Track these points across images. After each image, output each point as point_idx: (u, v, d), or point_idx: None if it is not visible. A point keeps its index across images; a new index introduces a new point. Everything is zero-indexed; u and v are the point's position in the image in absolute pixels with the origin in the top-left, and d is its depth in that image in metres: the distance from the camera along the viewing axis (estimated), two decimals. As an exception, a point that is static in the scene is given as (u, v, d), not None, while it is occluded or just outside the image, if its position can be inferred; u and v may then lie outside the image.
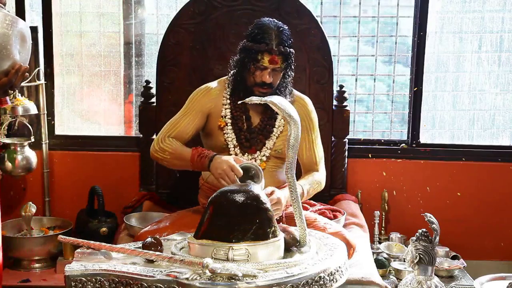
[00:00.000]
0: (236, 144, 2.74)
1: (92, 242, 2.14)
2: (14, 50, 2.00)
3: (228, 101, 2.78)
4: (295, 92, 2.88)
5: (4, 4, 2.12)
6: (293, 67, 2.74)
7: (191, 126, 2.77)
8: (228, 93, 2.78)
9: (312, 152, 2.83)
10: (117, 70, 3.73)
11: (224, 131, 2.76)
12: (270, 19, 2.74)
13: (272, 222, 2.08)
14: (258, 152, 2.74)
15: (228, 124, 2.75)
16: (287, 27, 2.73)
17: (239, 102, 2.55)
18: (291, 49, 2.69)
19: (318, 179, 2.81)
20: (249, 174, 2.52)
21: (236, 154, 2.72)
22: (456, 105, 3.75)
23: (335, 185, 3.45)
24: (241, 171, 2.49)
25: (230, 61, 2.80)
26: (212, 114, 2.79)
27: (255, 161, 2.71)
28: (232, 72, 2.79)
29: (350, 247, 2.52)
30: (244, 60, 2.68)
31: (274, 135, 2.75)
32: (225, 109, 2.78)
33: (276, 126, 2.76)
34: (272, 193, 2.52)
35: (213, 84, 2.85)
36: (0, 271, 2.40)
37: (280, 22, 2.73)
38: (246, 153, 2.73)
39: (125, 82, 3.75)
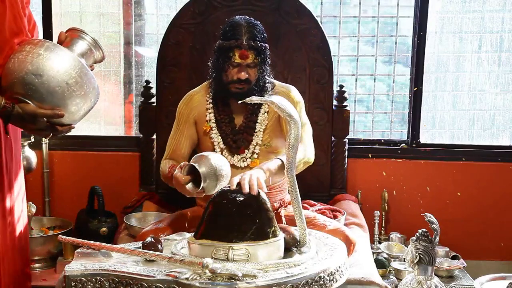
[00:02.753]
0: (224, 147, 2.73)
1: (92, 242, 2.14)
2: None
3: (211, 105, 2.77)
4: (278, 83, 2.83)
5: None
6: (269, 61, 2.70)
7: (183, 140, 2.78)
8: (211, 96, 2.77)
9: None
10: (117, 70, 3.74)
11: (210, 135, 2.75)
12: (242, 16, 2.72)
13: (272, 222, 2.08)
14: (246, 150, 2.72)
15: (213, 128, 2.74)
16: (259, 22, 2.70)
17: (239, 102, 2.55)
18: (264, 44, 2.66)
19: (303, 151, 2.64)
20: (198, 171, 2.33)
21: (225, 157, 2.70)
22: (456, 105, 3.75)
23: (335, 185, 3.45)
24: (185, 179, 2.34)
25: (208, 64, 2.78)
26: (198, 121, 2.79)
27: (246, 160, 2.71)
28: (210, 74, 2.77)
29: (350, 244, 2.51)
30: (219, 60, 2.67)
31: (259, 130, 2.72)
32: (209, 113, 2.76)
33: (259, 121, 2.72)
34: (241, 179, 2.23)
35: (196, 90, 2.85)
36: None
37: (252, 18, 2.70)
38: (236, 154, 2.72)
39: (125, 82, 3.75)
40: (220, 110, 2.75)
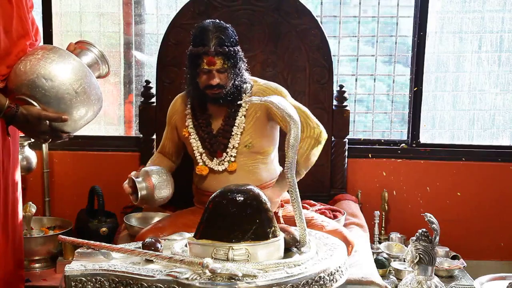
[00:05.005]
0: (203, 151, 2.74)
1: (92, 242, 2.14)
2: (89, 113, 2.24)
3: (189, 110, 2.79)
4: (259, 82, 2.79)
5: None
6: (241, 64, 2.68)
7: (167, 140, 2.91)
8: (189, 102, 2.80)
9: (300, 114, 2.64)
10: (117, 70, 3.74)
11: (190, 140, 2.77)
12: (213, 20, 2.69)
13: (272, 222, 2.08)
14: (224, 154, 2.72)
15: (192, 134, 2.76)
16: (228, 26, 2.67)
17: (238, 102, 2.57)
18: (234, 48, 2.63)
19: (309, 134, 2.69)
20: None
21: (203, 161, 2.74)
22: (456, 105, 3.75)
23: (335, 185, 3.45)
24: (128, 191, 2.62)
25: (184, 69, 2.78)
26: (178, 126, 2.84)
27: (224, 163, 2.71)
28: (186, 80, 2.78)
29: (348, 245, 2.52)
30: (190, 66, 2.67)
31: (236, 133, 2.70)
32: (188, 118, 2.79)
33: (237, 124, 2.71)
34: None
35: (182, 93, 2.88)
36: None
37: (222, 22, 2.68)
38: (215, 158, 2.72)
39: (125, 82, 3.75)
40: (198, 115, 2.76)
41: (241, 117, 2.71)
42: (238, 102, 2.58)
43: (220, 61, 2.60)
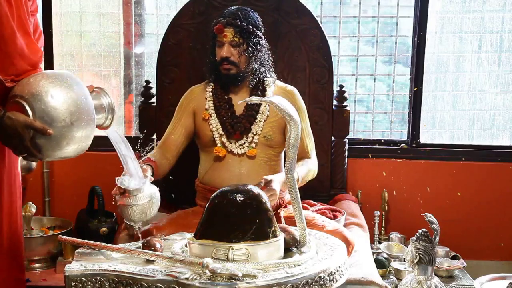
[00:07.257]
0: (222, 133, 2.77)
1: (92, 242, 2.14)
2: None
3: (210, 93, 2.83)
4: (280, 83, 2.91)
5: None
6: (260, 50, 2.77)
7: (179, 127, 2.85)
8: (211, 87, 2.84)
9: (303, 142, 2.81)
10: (117, 70, 3.74)
11: (209, 122, 2.79)
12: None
13: (272, 222, 2.08)
14: (245, 138, 2.76)
15: (212, 115, 2.79)
16: (251, 10, 2.78)
17: (239, 102, 2.58)
18: (249, 26, 2.71)
19: (310, 166, 2.82)
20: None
21: (222, 143, 2.76)
22: (456, 105, 3.75)
23: (335, 185, 3.45)
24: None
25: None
26: (197, 111, 2.86)
27: (243, 147, 2.75)
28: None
29: (349, 245, 2.52)
30: (211, 44, 2.78)
31: (260, 120, 2.76)
32: (208, 101, 2.82)
33: (261, 112, 2.77)
34: (270, 181, 2.47)
35: (197, 85, 2.94)
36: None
37: (249, 9, 2.80)
38: (234, 141, 2.76)
39: (125, 82, 3.75)
40: (220, 98, 2.81)
41: (265, 106, 2.77)
42: (239, 102, 2.59)
43: (231, 33, 2.69)
